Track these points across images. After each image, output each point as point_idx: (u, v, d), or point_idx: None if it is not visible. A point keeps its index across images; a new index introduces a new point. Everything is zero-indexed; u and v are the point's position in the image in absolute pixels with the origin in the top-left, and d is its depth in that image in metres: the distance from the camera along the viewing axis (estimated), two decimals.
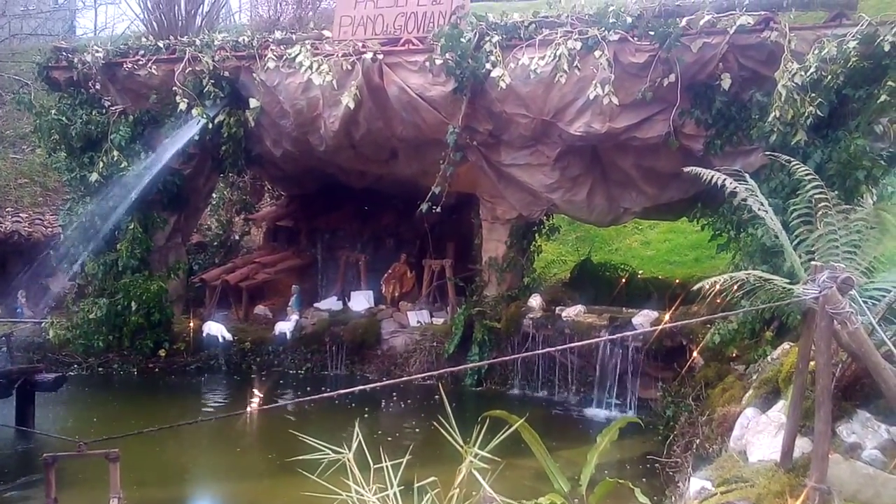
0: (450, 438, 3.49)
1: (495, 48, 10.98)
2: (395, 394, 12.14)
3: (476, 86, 11.28)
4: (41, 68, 13.91)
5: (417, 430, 9.99)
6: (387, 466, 3.37)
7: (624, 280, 14.78)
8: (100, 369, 13.34)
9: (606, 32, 10.44)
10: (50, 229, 16.98)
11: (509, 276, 13.29)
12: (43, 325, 13.43)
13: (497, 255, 13.28)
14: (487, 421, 3.65)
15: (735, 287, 5.18)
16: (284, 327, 13.93)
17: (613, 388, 11.40)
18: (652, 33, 10.21)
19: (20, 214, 18.30)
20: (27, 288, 15.17)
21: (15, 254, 16.63)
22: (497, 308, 12.82)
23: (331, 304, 15.05)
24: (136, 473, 5.31)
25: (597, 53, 10.42)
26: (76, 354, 13.37)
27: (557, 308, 12.43)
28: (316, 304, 15.03)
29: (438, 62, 11.20)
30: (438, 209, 12.05)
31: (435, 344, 13.21)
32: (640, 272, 16.12)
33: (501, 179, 12.72)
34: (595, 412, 11.36)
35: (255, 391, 12.52)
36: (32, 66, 15.55)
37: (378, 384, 10.13)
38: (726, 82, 10.02)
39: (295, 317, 14.18)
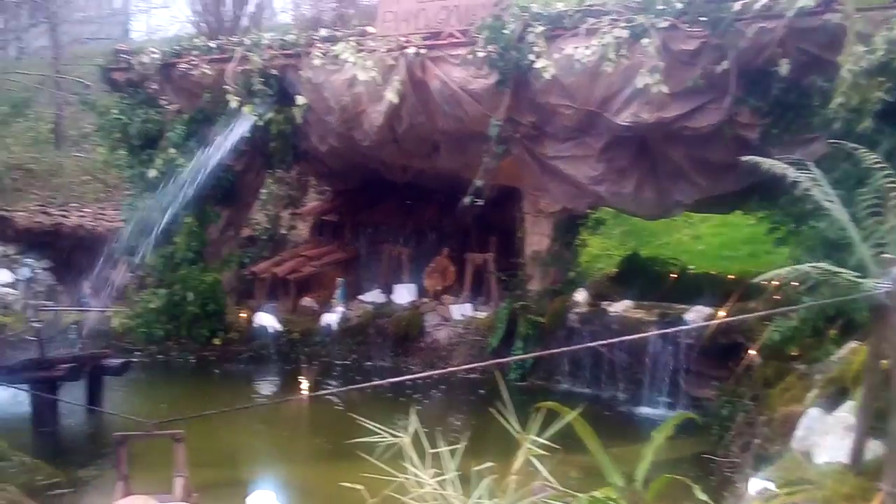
0: (507, 426, 3.45)
1: (539, 39, 10.95)
2: (441, 386, 12.32)
3: (519, 77, 11.32)
4: (103, 70, 14.51)
5: (465, 422, 10.13)
6: (442, 453, 3.41)
7: (674, 275, 14.64)
8: (159, 356, 13.81)
9: (655, 19, 10.29)
10: (112, 224, 17.55)
11: (553, 271, 13.23)
12: (107, 313, 13.99)
13: (541, 248, 13.27)
14: (532, 415, 3.62)
15: (796, 282, 4.98)
16: (330, 319, 14.25)
17: (664, 386, 11.26)
18: (703, 19, 10.03)
19: (84, 210, 19.00)
20: (92, 279, 15.74)
21: (80, 247, 17.25)
22: (541, 302, 12.78)
23: (374, 296, 15.26)
24: (194, 454, 5.56)
25: (645, 41, 10.30)
26: (138, 342, 13.86)
27: (604, 303, 12.34)
28: (360, 297, 15.26)
29: (481, 55, 11.28)
30: (481, 202, 12.12)
31: (478, 338, 13.31)
32: (692, 267, 15.93)
33: (545, 172, 12.73)
34: (644, 410, 11.27)
35: (304, 380, 12.86)
36: (93, 69, 16.15)
37: (425, 375, 10.34)
38: (784, 68, 9.72)
39: (340, 308, 14.47)
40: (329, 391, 11.53)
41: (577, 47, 10.76)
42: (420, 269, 15.38)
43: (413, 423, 3.52)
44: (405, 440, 3.47)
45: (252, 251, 17.42)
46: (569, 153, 12.26)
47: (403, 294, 14.96)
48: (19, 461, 3.23)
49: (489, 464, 3.47)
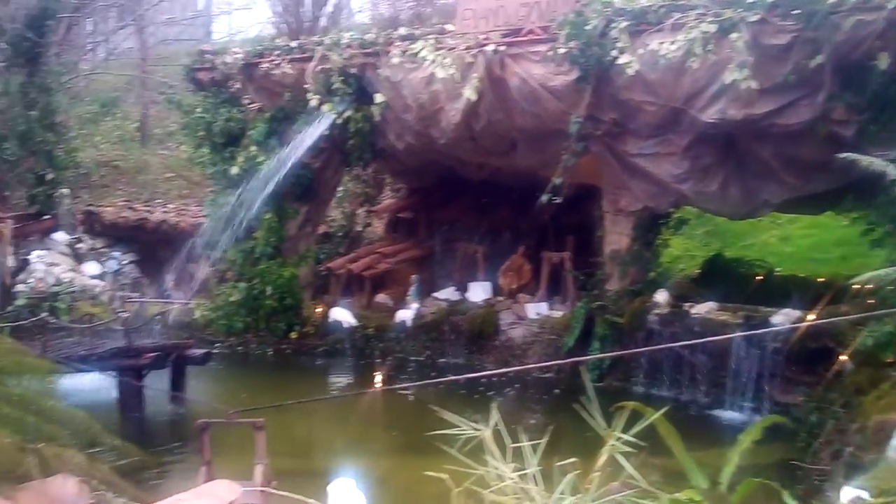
0: (589, 424, 3.38)
1: (622, 34, 10.79)
2: (516, 384, 12.21)
3: (601, 74, 11.18)
4: (188, 70, 14.97)
5: (540, 421, 10.01)
6: (521, 448, 3.35)
7: (760, 277, 14.23)
8: (239, 348, 14.18)
9: (744, 13, 10.00)
10: (194, 219, 18.06)
11: (633, 270, 12.97)
12: (189, 306, 14.39)
13: (620, 248, 13.03)
14: (610, 415, 3.57)
15: (893, 286, 4.77)
16: (405, 315, 14.31)
17: (748, 390, 10.95)
18: (796, 12, 9.71)
19: (168, 206, 19.63)
20: (174, 272, 16.21)
21: (164, 242, 17.81)
22: (619, 303, 12.58)
23: (449, 294, 15.29)
24: (272, 443, 5.63)
25: (733, 36, 10.01)
26: (218, 334, 14.26)
27: (686, 304, 12.07)
28: (434, 294, 15.31)
29: (562, 51, 11.18)
30: (559, 200, 12.00)
31: (554, 337, 13.18)
32: (779, 269, 15.51)
33: (626, 170, 12.52)
34: (726, 414, 10.99)
35: (378, 375, 12.93)
36: (177, 69, 16.64)
37: (502, 371, 10.25)
38: (883, 62, 9.33)
39: (415, 305, 14.53)
40: (405, 385, 11.56)
41: (661, 42, 10.54)
42: (495, 267, 15.30)
43: (494, 416, 3.41)
44: (486, 433, 3.45)
45: (328, 248, 17.67)
46: (651, 151, 12.03)
47: (478, 292, 14.92)
48: (110, 443, 3.30)
49: (572, 459, 3.41)
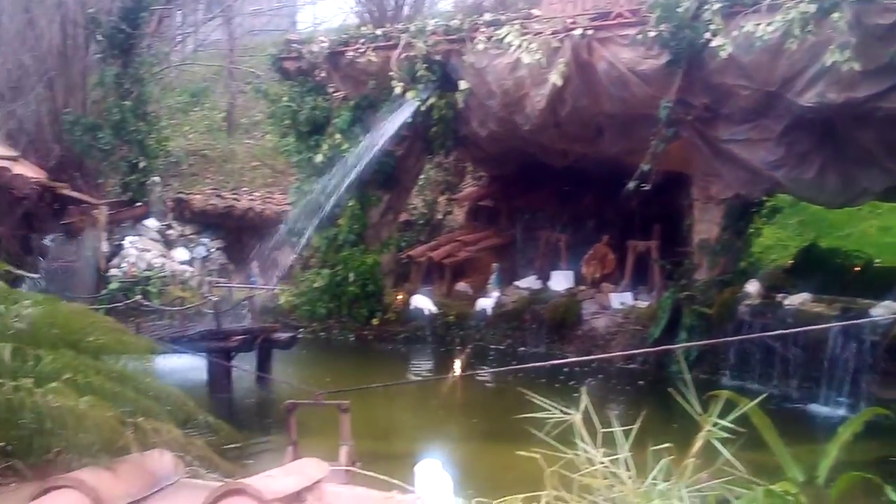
0: (682, 411, 3.27)
1: (716, 16, 10.51)
2: (599, 375, 12.02)
3: (693, 57, 10.92)
4: (274, 59, 15.26)
5: (624, 412, 9.83)
6: (608, 434, 3.33)
7: (858, 268, 13.71)
8: (321, 333, 14.43)
9: None
10: (279, 207, 18.43)
11: (723, 260, 12.63)
12: (274, 291, 14.70)
13: (710, 237, 12.70)
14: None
15: None
16: (485, 303, 14.27)
17: (844, 385, 10.55)
18: None
19: (254, 194, 20.08)
20: (259, 259, 16.58)
21: (250, 229, 18.28)
22: (708, 293, 12.28)
23: (530, 282, 15.17)
24: (354, 426, 5.64)
25: (835, 16, 9.58)
26: (301, 319, 14.51)
27: (779, 295, 11.73)
28: (516, 283, 15.22)
29: (652, 34, 10.96)
30: (647, 187, 11.77)
31: (639, 328, 12.96)
32: (878, 260, 14.86)
33: (717, 156, 12.18)
34: (820, 409, 10.62)
35: (458, 361, 12.94)
36: (264, 59, 16.95)
37: (587, 359, 10.09)
38: None
39: (496, 294, 14.46)
40: (487, 370, 11.54)
41: (758, 24, 10.19)
42: (578, 256, 15.09)
43: (583, 400, 3.41)
44: (576, 418, 3.38)
45: (409, 235, 17.77)
46: (744, 136, 11.66)
47: (561, 281, 14.75)
48: (203, 420, 3.34)
49: (667, 444, 3.34)
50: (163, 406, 3.14)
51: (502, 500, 2.01)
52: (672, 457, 3.30)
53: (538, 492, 2.32)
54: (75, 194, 16.90)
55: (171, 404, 3.22)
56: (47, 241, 15.45)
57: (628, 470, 3.06)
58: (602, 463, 3.33)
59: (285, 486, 2.42)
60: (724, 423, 3.22)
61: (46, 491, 2.38)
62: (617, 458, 3.12)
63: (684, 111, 11.66)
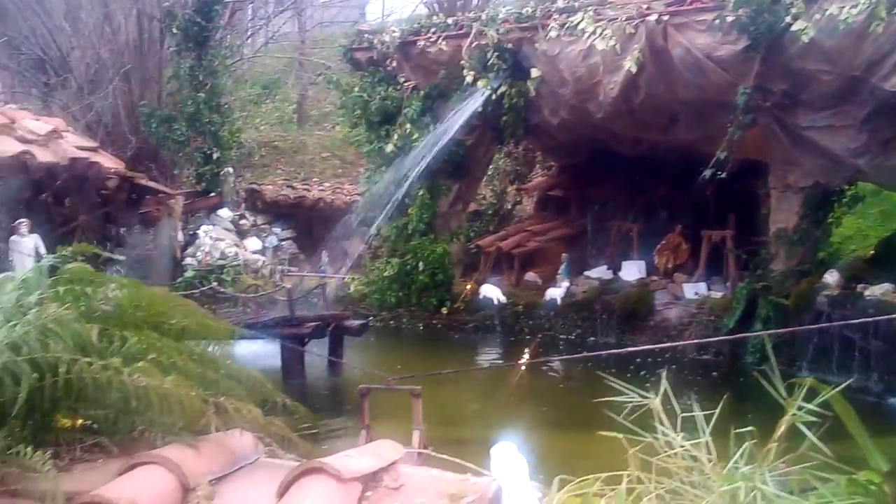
0: (765, 398, 3.18)
1: None
2: (672, 366, 11.81)
3: (772, 42, 10.64)
4: (345, 50, 15.44)
5: (698, 402, 9.64)
6: (685, 419, 3.26)
7: None
8: (391, 322, 14.57)
9: None
10: (348, 197, 18.65)
11: (800, 250, 12.34)
12: (344, 280, 14.89)
13: (787, 226, 12.40)
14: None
15: None
16: (555, 293, 14.19)
17: None
18: None
19: (324, 184, 20.37)
20: (329, 249, 16.82)
21: (320, 219, 18.55)
22: (785, 283, 12.01)
23: (601, 272, 15.03)
24: (424, 412, 5.68)
25: None
26: (371, 308, 14.68)
27: (859, 286, 11.35)
28: (586, 273, 15.09)
29: (730, 19, 10.72)
30: (723, 175, 11.52)
31: (712, 318, 12.74)
32: None
33: (796, 144, 11.85)
34: None
35: (527, 351, 12.88)
36: (334, 51, 17.13)
37: (657, 346, 9.95)
38: None
39: (565, 284, 14.36)
40: (559, 357, 11.49)
41: (842, 6, 9.86)
42: (649, 245, 14.86)
43: (663, 385, 3.36)
44: (655, 402, 3.33)
45: (478, 225, 17.77)
46: (825, 123, 11.32)
47: (632, 271, 14.57)
48: (281, 402, 3.40)
49: (749, 428, 3.26)
50: (242, 387, 3.20)
51: (584, 478, 1.99)
52: (754, 440, 3.23)
53: (617, 482, 2.29)
54: (152, 184, 17.35)
55: (250, 386, 3.28)
56: (125, 230, 15.92)
57: (709, 454, 3.01)
58: (682, 447, 3.28)
59: (362, 466, 2.45)
60: (809, 406, 3.13)
61: (133, 467, 2.45)
62: (697, 443, 3.07)
63: (762, 97, 11.39)
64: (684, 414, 3.20)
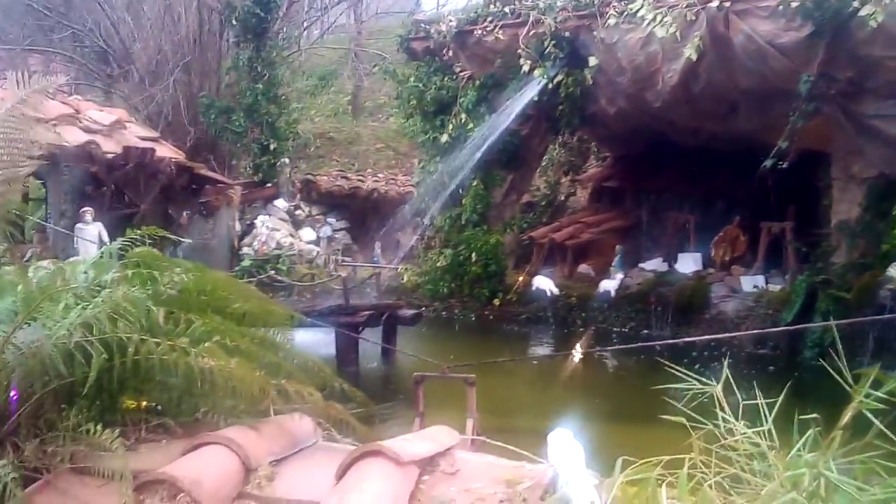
0: (837, 382, 3.11)
1: None
2: (728, 360, 11.59)
3: (837, 28, 10.38)
4: (402, 40, 15.50)
5: (755, 396, 9.47)
6: (751, 407, 3.20)
7: None
8: (443, 313, 14.61)
9: None
10: (402, 188, 18.76)
11: (863, 243, 12.04)
12: (399, 270, 15.00)
13: (850, 218, 12.09)
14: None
15: None
16: (609, 285, 14.05)
17: None
18: None
19: (378, 175, 20.49)
20: (382, 239, 16.95)
21: (373, 210, 18.74)
22: (846, 277, 11.73)
23: (656, 264, 14.86)
24: (478, 401, 5.70)
25: None
26: (423, 298, 14.73)
27: None
28: (641, 265, 14.92)
29: (794, 5, 10.49)
30: (784, 165, 11.30)
31: (770, 312, 12.47)
32: None
33: (861, 133, 11.53)
34: None
35: (580, 343, 12.78)
36: (389, 42, 17.20)
37: (713, 337, 9.83)
38: None
39: (619, 275, 14.23)
40: (613, 347, 11.38)
41: None
42: (706, 237, 14.61)
43: (724, 373, 3.31)
44: (716, 389, 3.28)
45: (530, 217, 17.70)
46: (892, 111, 10.99)
47: (689, 263, 14.36)
48: (339, 387, 3.44)
49: (814, 415, 3.20)
50: (302, 372, 3.24)
51: (647, 460, 1.97)
52: (818, 428, 3.16)
53: (676, 468, 2.27)
54: (211, 174, 17.72)
55: (309, 371, 3.32)
56: (184, 218, 16.27)
57: (771, 442, 2.97)
58: (744, 433, 3.23)
59: (420, 450, 2.47)
60: (876, 393, 3.05)
61: (197, 447, 2.52)
62: (759, 431, 3.02)
63: (826, 85, 11.10)
64: (746, 402, 3.16)
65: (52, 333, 2.50)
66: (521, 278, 14.66)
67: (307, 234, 18.76)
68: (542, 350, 13.17)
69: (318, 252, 17.93)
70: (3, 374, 2.52)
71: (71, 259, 3.10)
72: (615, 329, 13.68)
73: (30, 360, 2.51)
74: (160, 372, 2.64)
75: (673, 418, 2.91)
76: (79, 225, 13.01)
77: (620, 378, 11.06)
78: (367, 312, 10.52)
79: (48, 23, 24.60)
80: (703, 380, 3.34)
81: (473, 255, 14.34)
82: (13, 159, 3.15)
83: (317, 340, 10.45)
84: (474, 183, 14.55)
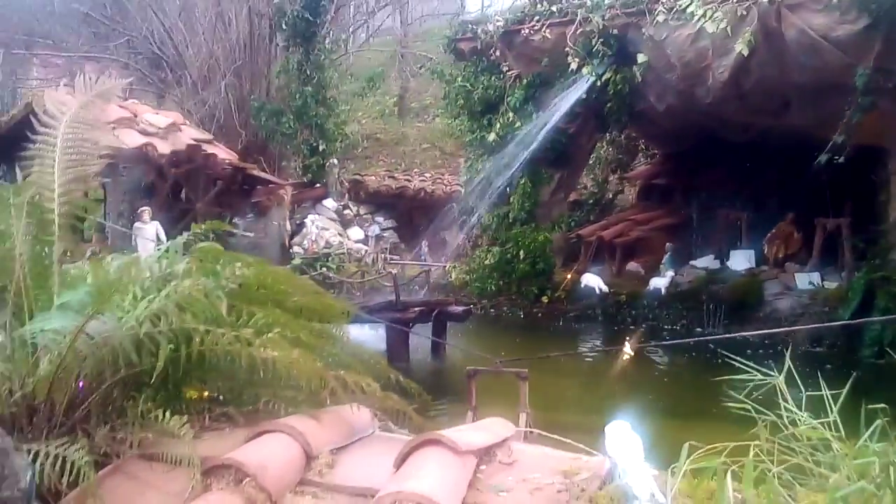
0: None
1: None
2: (782, 358, 11.41)
3: (895, 20, 10.09)
4: (449, 40, 15.62)
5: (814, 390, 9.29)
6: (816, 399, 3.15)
7: None
8: (491, 310, 14.64)
9: None
10: (448, 188, 18.84)
11: None
12: (447, 268, 15.08)
13: None
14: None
15: None
16: (659, 283, 13.94)
17: None
18: None
19: (425, 175, 20.62)
20: (429, 238, 17.05)
21: (420, 209, 18.86)
22: None
23: (708, 262, 14.69)
24: (530, 397, 5.72)
25: None
26: (472, 295, 14.75)
27: None
28: (692, 262, 14.76)
29: None
30: (840, 160, 11.06)
31: (826, 309, 12.26)
32: None
33: None
34: None
35: (630, 340, 12.71)
36: (435, 43, 17.32)
37: (765, 332, 9.71)
38: None
39: (670, 273, 14.10)
40: (669, 342, 11.29)
41: None
42: (759, 234, 14.39)
43: (786, 363, 3.27)
44: (779, 380, 3.24)
45: (578, 215, 17.63)
46: None
47: (741, 260, 14.16)
48: (395, 379, 3.49)
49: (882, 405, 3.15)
50: (360, 363, 3.29)
51: (712, 446, 1.98)
52: (887, 418, 3.11)
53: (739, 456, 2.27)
54: (263, 175, 17.99)
55: (366, 361, 3.37)
56: (238, 218, 16.57)
57: (836, 432, 2.94)
58: (807, 424, 3.19)
59: (477, 440, 2.50)
60: None
61: (260, 434, 2.58)
62: (825, 421, 2.99)
63: (883, 79, 10.87)
64: (809, 393, 3.12)
65: (122, 324, 2.58)
66: (569, 276, 14.61)
67: (355, 233, 18.96)
68: (591, 346, 13.10)
69: (366, 251, 18.11)
70: (76, 363, 2.61)
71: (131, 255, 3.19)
72: (665, 327, 13.54)
73: (101, 349, 2.59)
74: (224, 362, 2.71)
75: (733, 408, 2.90)
76: (137, 224, 13.35)
77: (673, 376, 10.95)
78: (418, 308, 10.63)
79: (104, 31, 25.26)
80: (765, 370, 3.32)
81: (521, 252, 14.35)
82: (82, 159, 3.26)
83: (368, 336, 10.58)
84: (522, 181, 14.57)
